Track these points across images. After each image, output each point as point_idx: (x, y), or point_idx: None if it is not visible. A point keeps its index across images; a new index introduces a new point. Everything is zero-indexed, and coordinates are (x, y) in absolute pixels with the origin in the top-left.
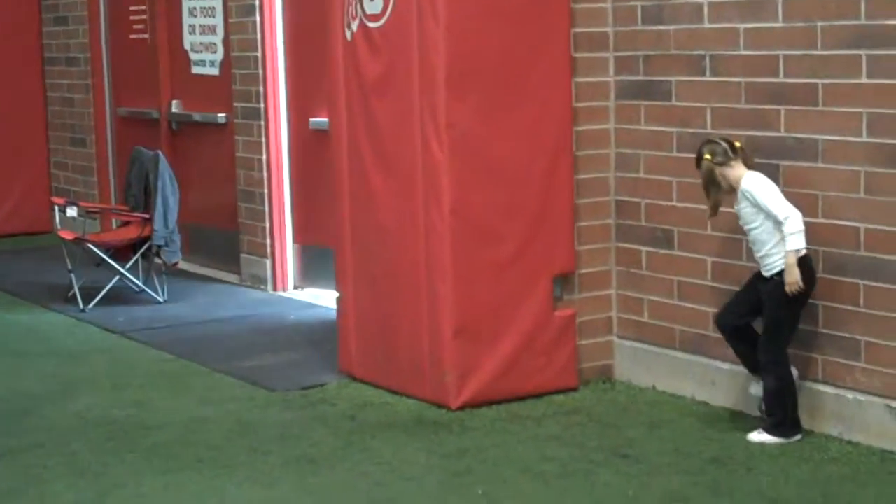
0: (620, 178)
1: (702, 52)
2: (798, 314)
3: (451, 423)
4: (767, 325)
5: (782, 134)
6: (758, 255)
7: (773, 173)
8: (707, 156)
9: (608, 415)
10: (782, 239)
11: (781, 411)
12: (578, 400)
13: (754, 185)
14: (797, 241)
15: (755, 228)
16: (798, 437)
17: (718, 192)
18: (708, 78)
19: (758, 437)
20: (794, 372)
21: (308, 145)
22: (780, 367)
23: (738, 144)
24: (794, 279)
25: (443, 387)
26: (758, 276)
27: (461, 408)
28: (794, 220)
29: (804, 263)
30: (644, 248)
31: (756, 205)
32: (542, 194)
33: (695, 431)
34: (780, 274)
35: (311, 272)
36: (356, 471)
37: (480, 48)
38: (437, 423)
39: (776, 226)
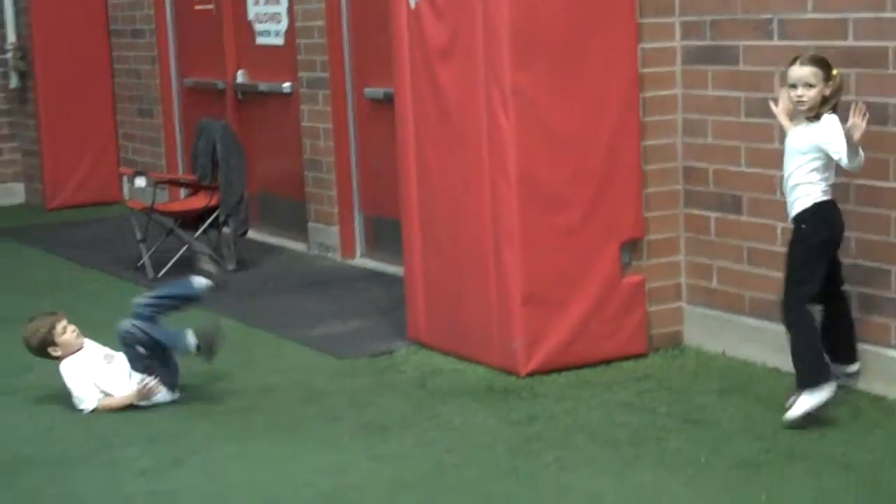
0: (688, 143)
1: (769, 16)
2: (817, 265)
3: (521, 389)
4: (786, 276)
5: (852, 97)
6: (791, 194)
7: None
8: (835, 72)
9: (678, 381)
10: (815, 179)
11: (801, 364)
12: (648, 366)
13: (836, 131)
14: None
15: (803, 165)
16: (828, 388)
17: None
18: (776, 42)
19: (792, 412)
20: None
21: (367, 114)
22: (799, 322)
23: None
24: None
25: (512, 353)
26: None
27: (530, 374)
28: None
29: (827, 210)
30: (713, 214)
31: (825, 144)
32: (609, 161)
33: (766, 398)
34: (800, 216)
35: (378, 240)
36: (426, 438)
37: (545, 15)
38: (507, 390)
39: (825, 163)
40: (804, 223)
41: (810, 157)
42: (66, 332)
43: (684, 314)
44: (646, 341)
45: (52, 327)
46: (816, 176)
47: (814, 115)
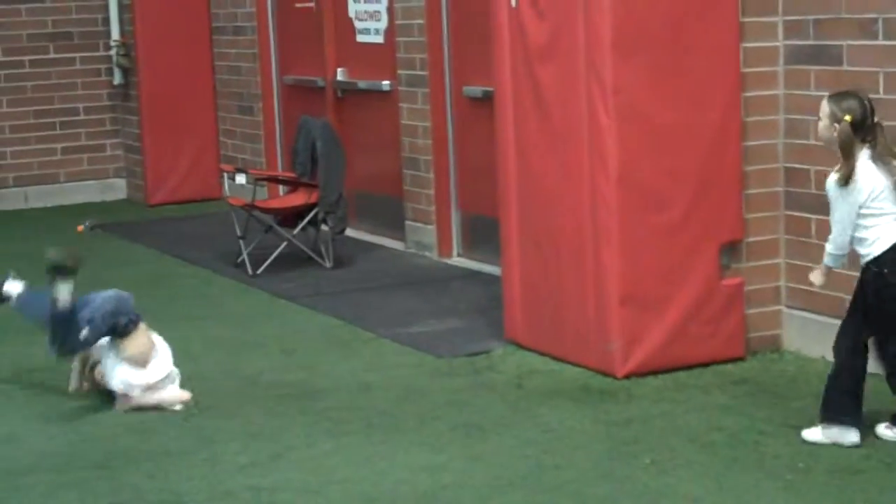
0: (789, 144)
1: (874, 16)
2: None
3: (618, 391)
4: (879, 326)
5: None
6: (857, 247)
7: None
8: (848, 118)
9: (777, 385)
10: (871, 224)
11: None
12: (746, 370)
13: (828, 189)
14: (828, 259)
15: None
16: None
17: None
18: (880, 42)
19: (886, 430)
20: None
21: (465, 113)
22: None
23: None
24: (815, 279)
25: (609, 355)
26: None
27: (627, 376)
28: (831, 244)
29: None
30: (814, 217)
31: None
32: (710, 161)
33: (866, 403)
34: (874, 262)
35: (475, 239)
36: (523, 438)
37: (647, 12)
38: (603, 392)
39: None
40: (885, 267)
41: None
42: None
43: (783, 317)
44: (744, 344)
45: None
46: (869, 222)
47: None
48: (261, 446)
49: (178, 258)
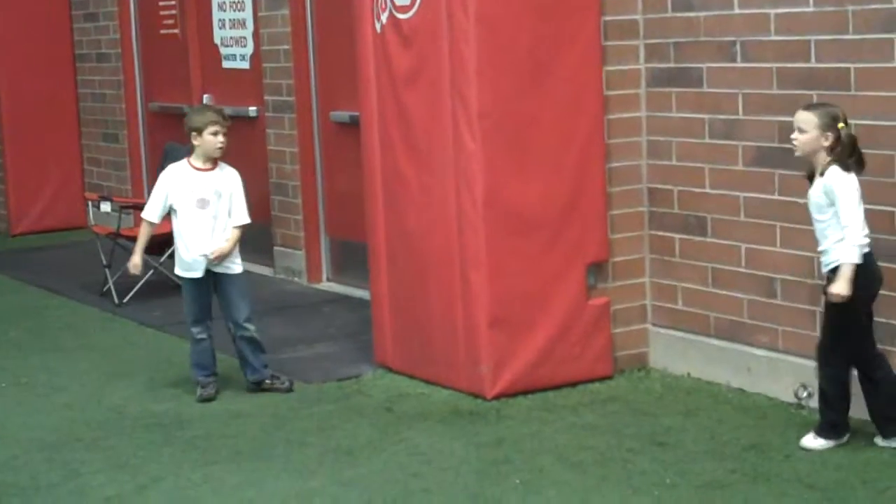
0: (652, 165)
1: (732, 38)
2: (857, 320)
3: (487, 412)
4: (824, 325)
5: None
6: (819, 247)
7: None
8: (841, 126)
9: (644, 403)
10: (842, 239)
11: (829, 414)
12: (614, 388)
13: (838, 182)
14: (852, 254)
15: (822, 221)
16: (845, 437)
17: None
18: (739, 64)
19: (810, 441)
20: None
21: (332, 138)
22: (831, 370)
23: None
24: (838, 291)
25: (478, 377)
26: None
27: (497, 397)
28: (854, 232)
29: (865, 266)
30: (677, 236)
31: (832, 202)
32: (575, 183)
33: (731, 419)
34: (835, 271)
35: (344, 264)
36: (393, 462)
37: (510, 38)
38: (473, 413)
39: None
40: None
41: (823, 213)
42: (216, 136)
43: (649, 336)
44: (611, 363)
45: (210, 122)
46: (840, 233)
47: (821, 170)
48: (127, 477)
49: (43, 288)
